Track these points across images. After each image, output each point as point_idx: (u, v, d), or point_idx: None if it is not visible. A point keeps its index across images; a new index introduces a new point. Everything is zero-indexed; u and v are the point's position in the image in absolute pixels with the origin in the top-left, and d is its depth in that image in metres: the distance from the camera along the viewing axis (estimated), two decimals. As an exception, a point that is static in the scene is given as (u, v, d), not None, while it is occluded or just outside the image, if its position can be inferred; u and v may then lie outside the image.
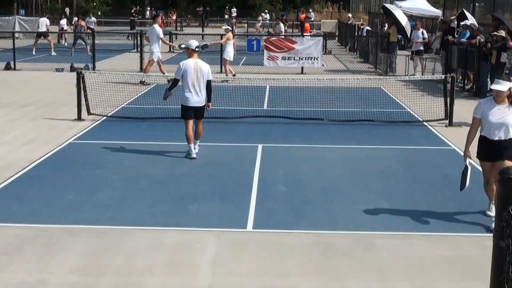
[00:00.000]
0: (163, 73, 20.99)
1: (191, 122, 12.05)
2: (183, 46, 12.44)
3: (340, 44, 42.58)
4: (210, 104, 12.19)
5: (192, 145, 12.02)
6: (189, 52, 11.98)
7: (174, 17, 61.31)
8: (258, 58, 27.36)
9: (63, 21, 42.49)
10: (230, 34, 23.62)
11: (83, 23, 36.26)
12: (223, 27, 25.20)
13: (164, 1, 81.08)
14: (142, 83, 21.46)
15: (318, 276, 6.97)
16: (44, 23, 34.87)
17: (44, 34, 33.66)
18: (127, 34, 44.14)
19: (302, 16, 50.37)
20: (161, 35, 22.20)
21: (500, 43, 19.58)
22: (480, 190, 9.02)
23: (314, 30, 49.84)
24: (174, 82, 12.11)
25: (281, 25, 37.28)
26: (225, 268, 7.14)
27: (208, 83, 11.92)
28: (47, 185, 10.27)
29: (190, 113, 11.98)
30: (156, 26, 22.23)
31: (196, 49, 11.95)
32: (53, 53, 32.19)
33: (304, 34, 34.68)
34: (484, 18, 31.47)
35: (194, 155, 11.99)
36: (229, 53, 23.28)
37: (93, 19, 44.32)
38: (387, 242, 7.98)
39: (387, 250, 7.71)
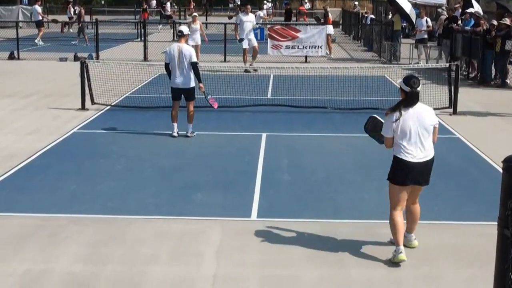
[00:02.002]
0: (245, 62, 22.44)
1: (176, 103, 12.85)
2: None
3: (344, 33, 42.45)
4: (201, 85, 12.71)
5: (175, 124, 12.80)
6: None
7: (192, 7, 60.97)
8: (262, 47, 27.30)
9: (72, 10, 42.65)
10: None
11: (82, 11, 35.50)
12: (193, 14, 25.10)
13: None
14: (247, 71, 21.66)
15: (322, 265, 6.97)
16: (36, 11, 33.28)
17: (38, 23, 32.52)
18: (134, 24, 44.02)
19: (302, 7, 49.91)
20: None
21: (504, 31, 19.52)
22: (483, 178, 9.00)
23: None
24: (165, 67, 12.79)
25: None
26: (230, 257, 7.15)
27: (193, 65, 12.51)
28: (51, 175, 10.28)
29: (176, 94, 12.79)
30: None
31: (179, 33, 12.90)
32: (40, 43, 31.19)
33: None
34: (489, 6, 31.36)
35: (175, 134, 12.76)
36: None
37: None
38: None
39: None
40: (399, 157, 6.90)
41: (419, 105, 6.96)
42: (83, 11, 35.84)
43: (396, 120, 6.85)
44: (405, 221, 7.31)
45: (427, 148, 6.92)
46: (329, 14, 34.41)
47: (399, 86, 7.06)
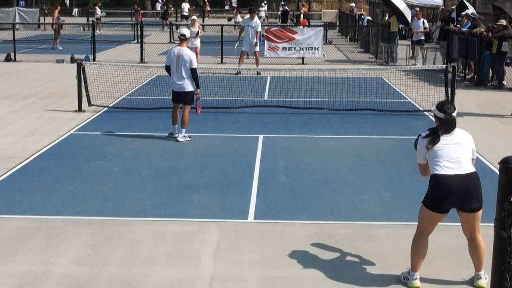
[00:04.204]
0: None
1: (176, 106, 12.83)
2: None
3: (341, 34, 42.49)
4: (198, 91, 12.73)
5: (175, 126, 12.78)
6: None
7: (208, 8, 60.88)
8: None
9: (98, 11, 42.92)
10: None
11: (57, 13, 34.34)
12: (192, 17, 24.96)
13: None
14: (258, 73, 21.81)
15: (320, 266, 6.98)
16: None
17: None
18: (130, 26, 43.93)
19: (305, 9, 49.76)
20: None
21: (500, 32, 19.56)
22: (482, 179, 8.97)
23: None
24: (165, 69, 12.87)
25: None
26: (227, 259, 7.16)
27: (192, 71, 12.48)
28: (49, 177, 10.28)
29: (174, 97, 12.78)
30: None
31: (181, 37, 12.82)
32: None
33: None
34: (486, 8, 31.42)
35: (175, 135, 12.70)
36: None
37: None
38: (388, 232, 7.99)
39: (388, 240, 7.73)
40: (435, 174, 6.36)
41: (457, 131, 6.51)
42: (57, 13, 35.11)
43: (431, 146, 6.40)
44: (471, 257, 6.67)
45: (463, 164, 6.34)
46: (302, 16, 34.60)
47: (433, 114, 6.69)
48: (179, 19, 57.49)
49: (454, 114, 6.50)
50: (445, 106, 6.53)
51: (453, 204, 6.35)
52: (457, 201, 6.31)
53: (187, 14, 46.57)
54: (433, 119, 6.80)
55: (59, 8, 35.01)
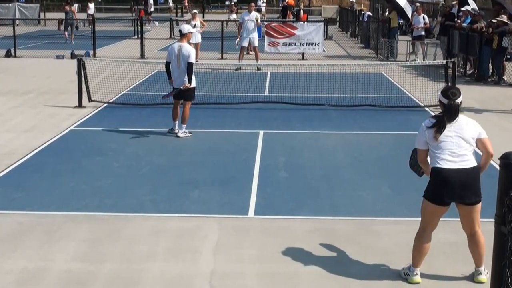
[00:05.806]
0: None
1: (176, 102, 12.79)
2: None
3: (341, 30, 42.44)
4: (187, 84, 12.40)
5: (175, 122, 12.75)
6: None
7: (186, 3, 60.52)
8: (259, 44, 27.27)
9: (91, 5, 42.97)
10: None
11: (72, 8, 34.88)
12: (193, 11, 24.83)
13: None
14: (258, 69, 21.73)
15: (320, 262, 6.97)
16: None
17: None
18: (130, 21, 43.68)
19: (291, 1, 49.27)
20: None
21: (501, 28, 19.54)
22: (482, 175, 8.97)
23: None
24: (165, 66, 12.77)
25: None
26: (227, 255, 7.15)
27: (189, 65, 12.39)
28: (48, 173, 10.27)
29: (176, 94, 12.66)
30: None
31: (179, 33, 12.85)
32: None
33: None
34: (486, 3, 31.36)
35: (176, 131, 12.70)
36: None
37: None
38: (389, 227, 7.99)
39: (389, 236, 7.72)
40: (435, 167, 6.30)
41: (460, 117, 6.37)
42: (72, 8, 35.09)
43: (439, 135, 6.27)
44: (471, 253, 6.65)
45: (465, 158, 6.26)
46: (301, 12, 34.66)
47: (438, 99, 6.50)
48: (179, 14, 57.44)
49: (458, 100, 6.33)
50: (449, 92, 6.38)
51: (453, 198, 6.31)
52: (457, 195, 6.28)
53: (152, 10, 46.07)
54: (432, 114, 6.78)
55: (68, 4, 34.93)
